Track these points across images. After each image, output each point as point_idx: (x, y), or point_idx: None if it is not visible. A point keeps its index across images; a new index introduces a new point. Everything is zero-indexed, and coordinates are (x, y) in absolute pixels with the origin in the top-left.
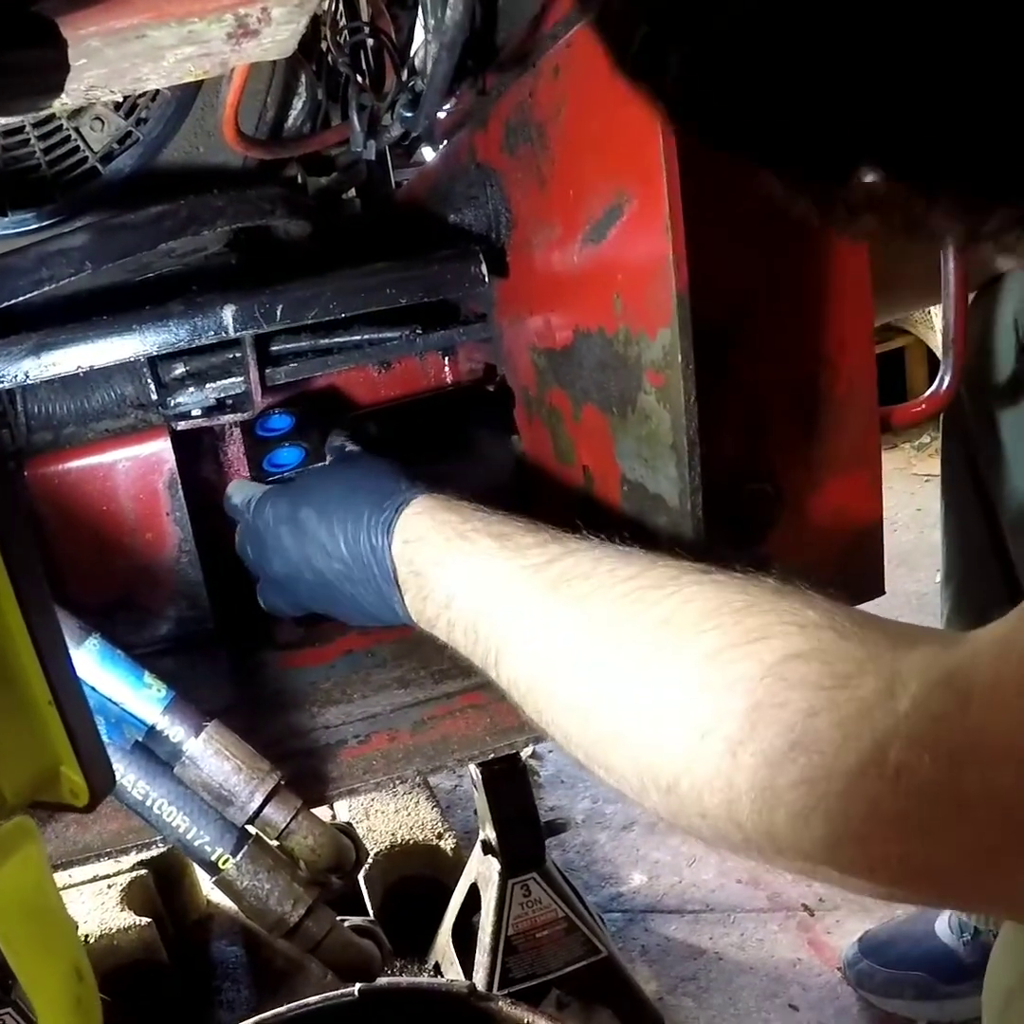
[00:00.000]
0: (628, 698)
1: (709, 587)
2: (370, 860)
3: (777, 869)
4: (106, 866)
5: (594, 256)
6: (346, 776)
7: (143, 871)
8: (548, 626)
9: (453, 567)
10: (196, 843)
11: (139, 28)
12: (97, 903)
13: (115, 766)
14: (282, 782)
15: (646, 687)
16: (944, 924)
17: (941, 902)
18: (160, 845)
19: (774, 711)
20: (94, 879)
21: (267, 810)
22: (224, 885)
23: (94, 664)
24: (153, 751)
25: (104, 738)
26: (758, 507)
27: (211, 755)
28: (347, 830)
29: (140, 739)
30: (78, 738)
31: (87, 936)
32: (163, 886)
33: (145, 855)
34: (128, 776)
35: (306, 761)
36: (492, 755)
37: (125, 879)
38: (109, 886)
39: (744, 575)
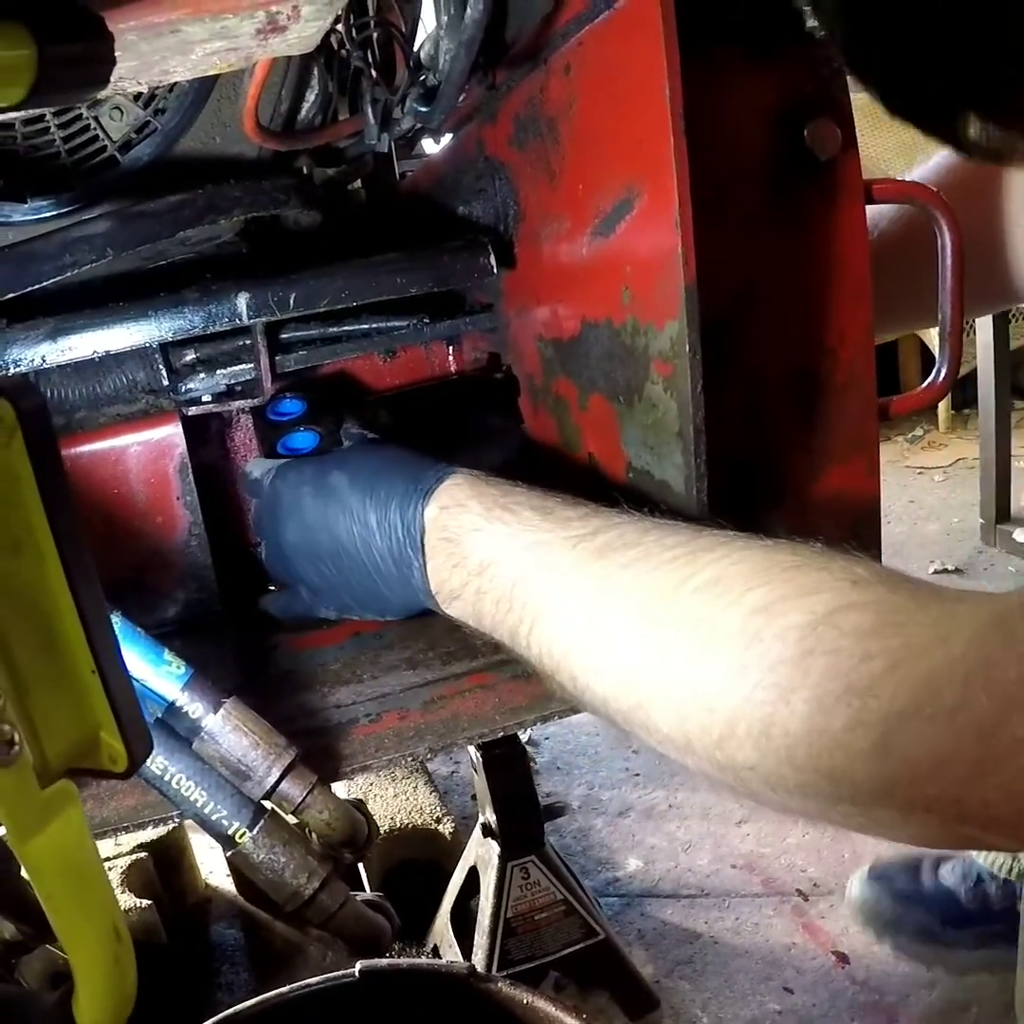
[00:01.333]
0: (676, 656)
1: (758, 550)
2: None
3: (821, 823)
4: (106, 849)
5: (603, 249)
6: (359, 753)
7: (143, 854)
8: (593, 591)
9: (492, 534)
10: (213, 817)
11: (175, 23)
12: None
13: None
14: (298, 757)
15: (695, 644)
16: (948, 868)
17: (990, 844)
18: (176, 819)
19: (826, 658)
20: None
21: (284, 785)
22: (240, 858)
23: None
24: (172, 727)
25: None
26: (760, 493)
27: (229, 731)
28: (359, 805)
29: (160, 715)
30: (119, 705)
31: None
32: (162, 869)
33: (161, 830)
34: None
35: (319, 739)
36: (501, 733)
37: (125, 862)
38: (109, 868)
39: (791, 541)
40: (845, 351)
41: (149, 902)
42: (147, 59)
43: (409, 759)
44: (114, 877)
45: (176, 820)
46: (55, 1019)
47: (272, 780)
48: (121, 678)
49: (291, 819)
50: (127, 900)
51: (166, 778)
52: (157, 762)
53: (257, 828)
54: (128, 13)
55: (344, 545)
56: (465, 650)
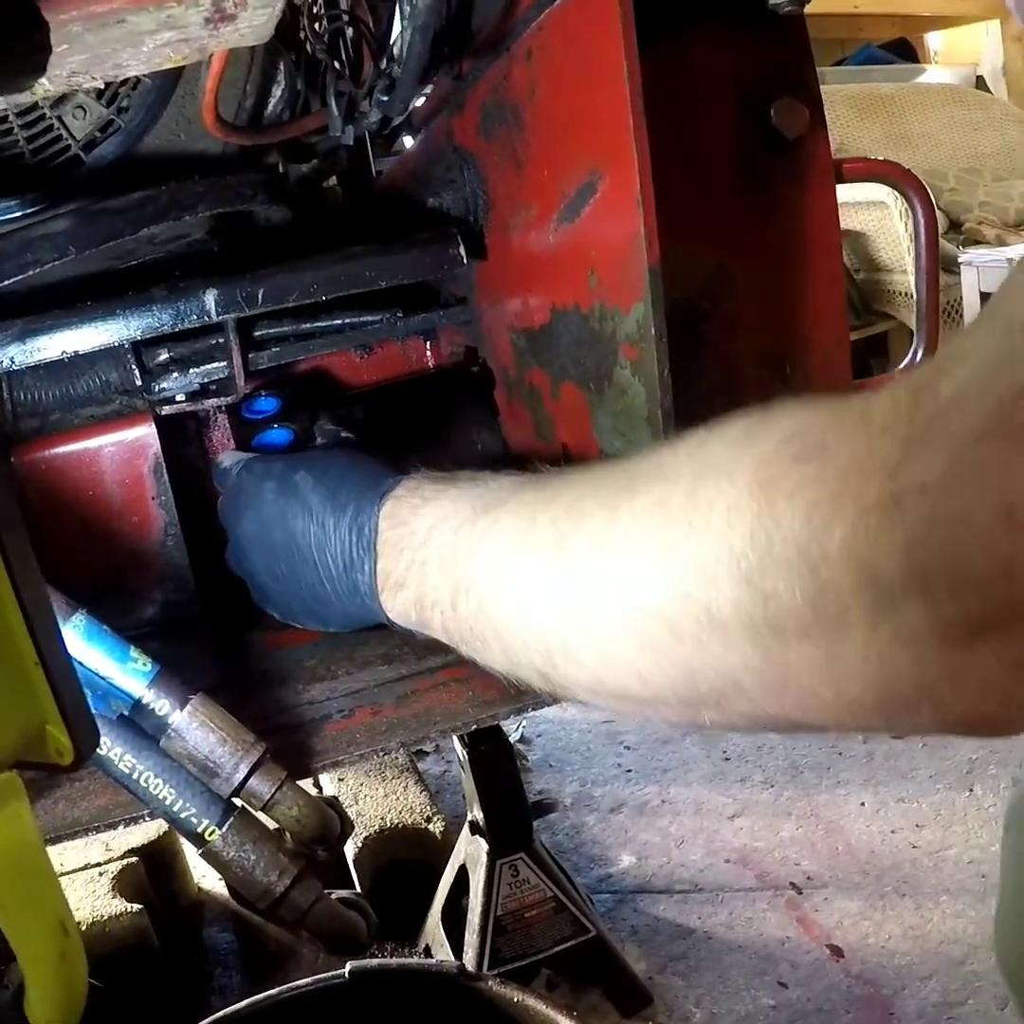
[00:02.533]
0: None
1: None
2: (360, 844)
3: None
4: (97, 853)
5: (569, 234)
6: (330, 749)
7: (134, 859)
8: (533, 508)
9: (438, 504)
10: (182, 815)
11: (118, 13)
12: (88, 891)
13: (102, 739)
14: (267, 753)
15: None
16: None
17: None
18: (147, 818)
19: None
20: (86, 867)
21: (252, 781)
22: (210, 856)
23: (80, 640)
24: (139, 725)
25: (91, 709)
26: None
27: (196, 727)
28: (332, 802)
29: (126, 712)
30: (64, 697)
31: (78, 923)
32: (154, 873)
33: (132, 829)
34: (115, 749)
35: (291, 735)
36: (474, 726)
37: (116, 867)
38: (100, 873)
39: None
40: (819, 335)
41: (140, 906)
42: (97, 52)
43: (380, 753)
44: (105, 882)
45: (146, 819)
46: (9, 1018)
47: (240, 776)
48: (65, 670)
49: (261, 816)
50: (118, 905)
51: (134, 776)
52: (125, 760)
53: (227, 826)
54: (68, 2)
55: (299, 544)
56: (441, 644)
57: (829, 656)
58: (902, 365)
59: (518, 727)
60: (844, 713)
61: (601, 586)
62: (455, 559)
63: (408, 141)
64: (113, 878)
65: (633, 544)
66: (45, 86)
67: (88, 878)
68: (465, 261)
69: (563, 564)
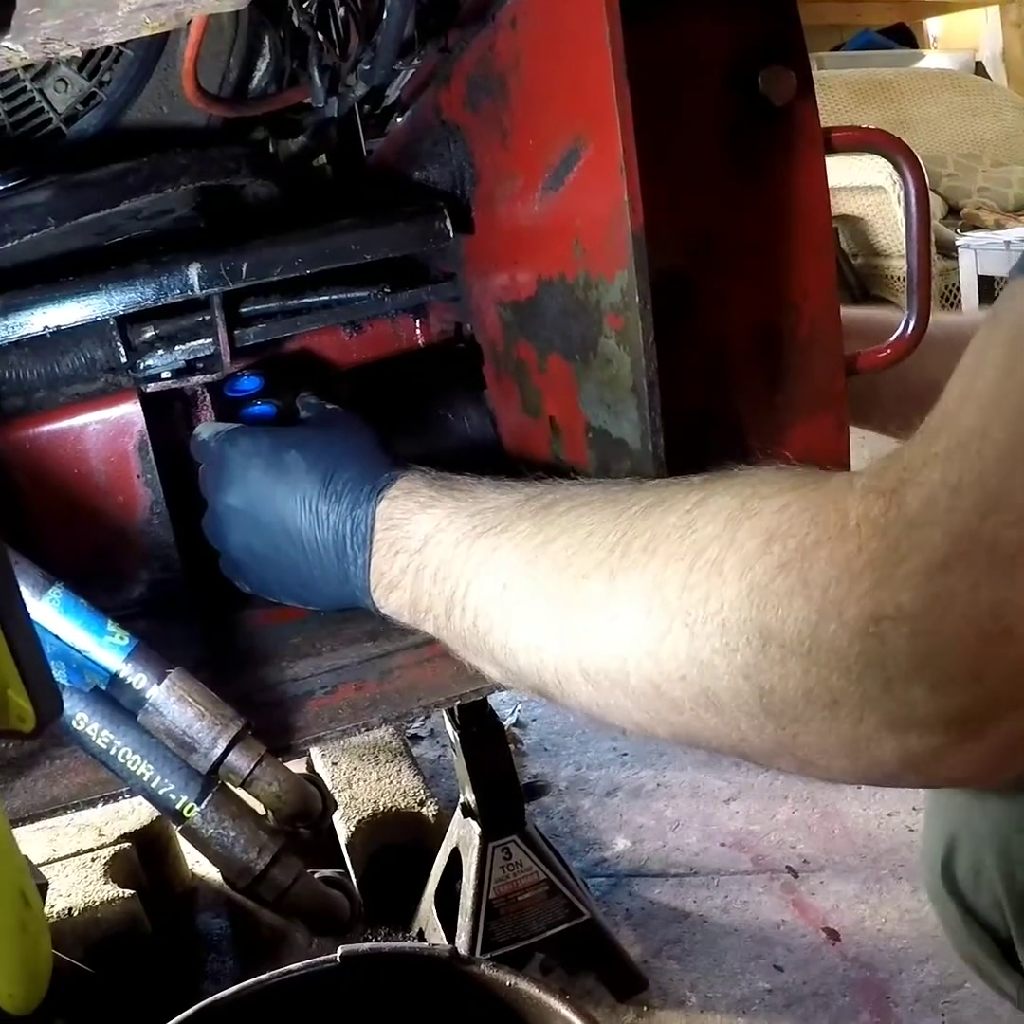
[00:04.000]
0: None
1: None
2: (353, 828)
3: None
4: (89, 839)
5: (554, 203)
6: (312, 725)
7: (127, 844)
8: (533, 534)
9: (436, 511)
10: (161, 791)
11: None
12: (81, 876)
13: (79, 714)
14: (246, 728)
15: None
16: None
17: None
18: (126, 796)
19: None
20: (78, 853)
21: (231, 757)
22: (189, 834)
23: (56, 613)
24: (117, 700)
25: (66, 682)
26: (722, 451)
27: (174, 702)
28: (314, 779)
29: (102, 687)
30: (24, 662)
31: (70, 909)
32: (147, 859)
33: (125, 814)
34: (92, 724)
35: (273, 712)
36: (458, 701)
37: (109, 852)
38: (93, 859)
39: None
40: (808, 306)
41: (133, 892)
42: (71, 16)
43: (362, 729)
44: (97, 867)
45: (126, 796)
46: None
47: (218, 752)
48: (26, 634)
49: (240, 792)
50: (110, 890)
51: (111, 752)
52: (102, 736)
53: (205, 802)
54: None
55: (287, 528)
56: None
57: (820, 737)
58: (893, 337)
59: (514, 711)
60: (835, 775)
61: (599, 650)
62: (451, 572)
63: (401, 122)
64: (105, 863)
65: (630, 621)
66: (21, 53)
67: (80, 863)
68: (451, 235)
69: (562, 619)
